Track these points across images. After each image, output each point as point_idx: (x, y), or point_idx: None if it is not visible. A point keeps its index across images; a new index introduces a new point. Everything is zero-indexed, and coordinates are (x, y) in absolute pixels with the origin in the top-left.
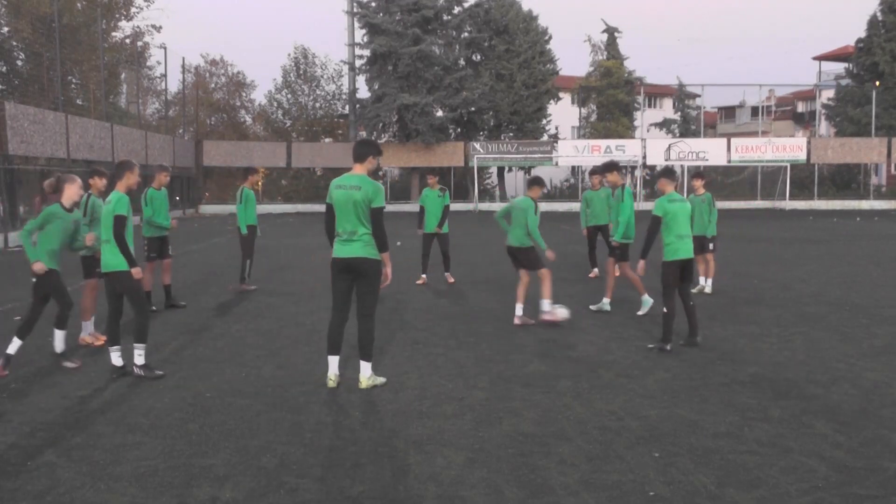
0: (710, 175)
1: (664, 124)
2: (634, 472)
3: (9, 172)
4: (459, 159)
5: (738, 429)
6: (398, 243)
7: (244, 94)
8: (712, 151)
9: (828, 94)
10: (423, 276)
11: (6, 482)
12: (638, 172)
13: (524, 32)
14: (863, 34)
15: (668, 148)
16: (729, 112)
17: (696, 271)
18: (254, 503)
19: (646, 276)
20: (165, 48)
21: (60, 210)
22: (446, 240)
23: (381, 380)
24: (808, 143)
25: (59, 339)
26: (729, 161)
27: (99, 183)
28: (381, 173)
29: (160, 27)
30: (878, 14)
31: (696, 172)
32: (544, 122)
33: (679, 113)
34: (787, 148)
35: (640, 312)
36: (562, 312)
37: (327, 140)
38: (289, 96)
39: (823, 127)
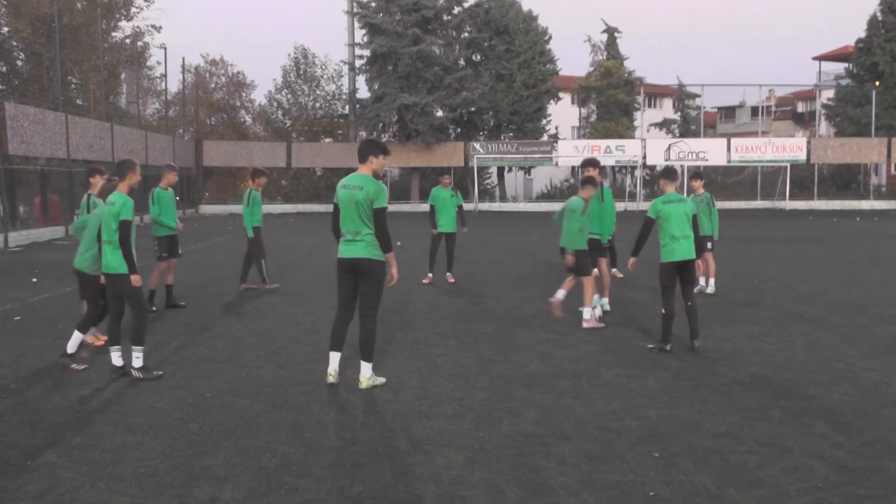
0: (711, 175)
1: (664, 124)
2: (634, 472)
3: (9, 172)
4: (459, 159)
5: (738, 429)
6: (398, 243)
7: (244, 94)
8: (712, 151)
9: (828, 94)
10: (430, 275)
11: (6, 482)
12: (638, 172)
13: (524, 32)
14: (863, 34)
15: (668, 148)
16: (729, 112)
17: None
18: (254, 503)
19: (638, 275)
20: (165, 48)
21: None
22: (454, 240)
23: (381, 380)
24: (808, 143)
25: (75, 340)
26: (729, 161)
27: (99, 181)
28: (381, 174)
29: (160, 27)
30: (878, 14)
31: (695, 173)
32: (544, 122)
33: (679, 113)
34: (787, 148)
35: (582, 310)
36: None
37: (327, 140)
38: (289, 96)
39: (823, 127)
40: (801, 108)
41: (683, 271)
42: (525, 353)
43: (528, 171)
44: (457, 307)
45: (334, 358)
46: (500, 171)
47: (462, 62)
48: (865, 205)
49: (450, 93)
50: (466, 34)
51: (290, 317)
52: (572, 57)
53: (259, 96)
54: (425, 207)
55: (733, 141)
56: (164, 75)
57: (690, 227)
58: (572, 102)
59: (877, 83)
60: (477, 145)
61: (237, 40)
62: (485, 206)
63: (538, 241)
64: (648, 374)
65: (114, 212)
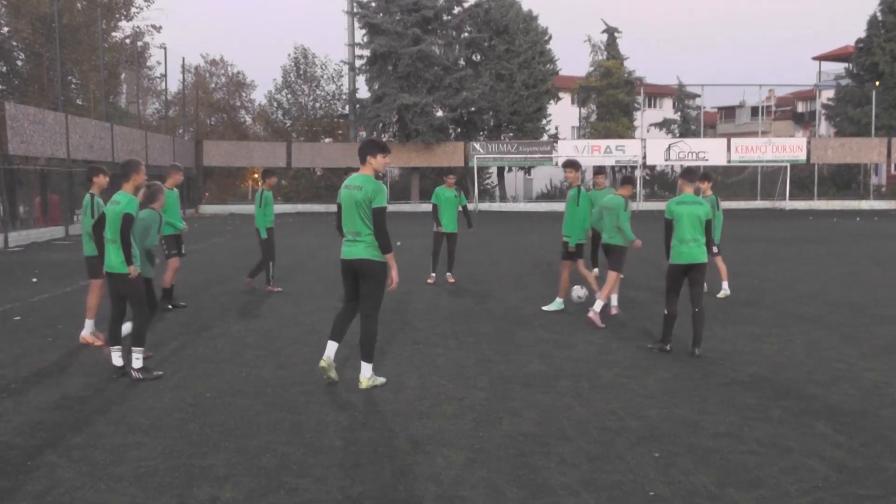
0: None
1: (664, 124)
2: (634, 472)
3: (9, 172)
4: (459, 159)
5: (738, 429)
6: (398, 243)
7: (244, 94)
8: (712, 151)
9: (828, 94)
10: (433, 274)
11: (6, 482)
12: (638, 172)
13: (524, 32)
14: (863, 34)
15: (668, 148)
16: (729, 112)
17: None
18: (254, 503)
19: (638, 276)
20: (165, 48)
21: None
22: (455, 240)
23: (381, 380)
24: (808, 143)
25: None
26: (729, 161)
27: (102, 181)
28: (381, 173)
29: (160, 27)
30: (878, 14)
31: (703, 174)
32: (544, 122)
33: (679, 113)
34: (787, 148)
35: (544, 307)
36: (579, 293)
37: (327, 140)
38: (289, 96)
39: (823, 127)
40: (801, 108)
41: (691, 275)
42: (525, 353)
43: (528, 171)
44: (457, 307)
45: (331, 346)
46: (500, 171)
47: (462, 62)
48: (865, 205)
49: (450, 93)
50: (466, 34)
51: (290, 317)
52: (572, 57)
53: (259, 96)
54: (425, 207)
55: (733, 141)
56: (164, 75)
57: (702, 231)
58: (572, 102)
59: (877, 83)
60: (477, 145)
61: (237, 40)
62: (485, 206)
63: (538, 241)
64: (648, 374)
65: (118, 210)
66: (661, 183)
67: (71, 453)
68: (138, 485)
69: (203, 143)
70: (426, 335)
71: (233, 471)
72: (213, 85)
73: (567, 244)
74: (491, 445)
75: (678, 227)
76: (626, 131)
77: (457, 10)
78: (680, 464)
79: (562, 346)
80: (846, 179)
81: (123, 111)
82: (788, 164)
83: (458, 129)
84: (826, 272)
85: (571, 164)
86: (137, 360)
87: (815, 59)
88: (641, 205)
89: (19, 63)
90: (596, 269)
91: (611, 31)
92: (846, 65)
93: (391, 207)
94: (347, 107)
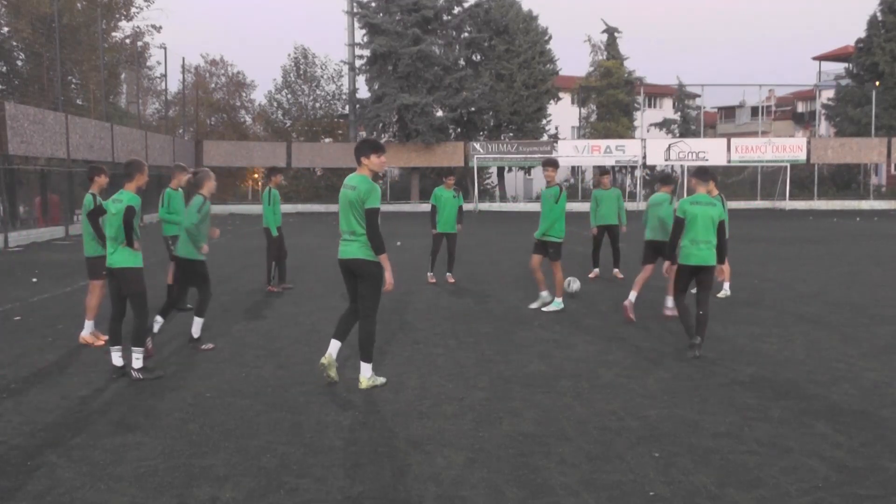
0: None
1: (664, 124)
2: (634, 472)
3: (9, 172)
4: (459, 159)
5: (738, 429)
6: (398, 243)
7: (244, 94)
8: (712, 151)
9: (828, 94)
10: (430, 273)
11: (6, 482)
12: (638, 172)
13: (524, 32)
14: (863, 34)
15: (668, 148)
16: (729, 112)
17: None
18: (254, 503)
19: (637, 276)
20: (165, 48)
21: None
22: (454, 240)
23: (381, 380)
24: (808, 143)
25: (197, 326)
26: (729, 161)
27: (103, 181)
28: (381, 174)
29: (160, 27)
30: (878, 14)
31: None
32: (544, 122)
33: (679, 113)
34: (787, 148)
35: (544, 308)
36: (575, 286)
37: (327, 140)
38: (289, 96)
39: (823, 127)
40: (801, 108)
41: (699, 277)
42: (525, 353)
43: (528, 171)
44: (457, 307)
45: (333, 344)
46: (500, 171)
47: (462, 62)
48: (865, 205)
49: (450, 93)
50: (466, 34)
51: (290, 317)
52: (572, 57)
53: (259, 96)
54: (425, 207)
55: (733, 141)
56: (164, 75)
57: (715, 233)
58: (572, 102)
59: (877, 83)
60: (477, 145)
61: (237, 40)
62: (485, 206)
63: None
64: (648, 374)
65: (121, 208)
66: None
67: (71, 453)
68: (138, 485)
69: (203, 143)
70: (426, 335)
71: (233, 471)
72: (213, 85)
73: (550, 241)
74: (491, 445)
75: (691, 228)
76: (626, 131)
77: (457, 10)
78: (680, 464)
79: (562, 346)
80: (846, 179)
81: (123, 111)
82: (788, 164)
83: (458, 129)
84: (826, 272)
85: (553, 164)
86: (137, 360)
87: (815, 59)
88: (641, 205)
89: (19, 63)
90: (596, 269)
91: (611, 31)
92: (846, 65)
93: (391, 207)
94: (347, 107)
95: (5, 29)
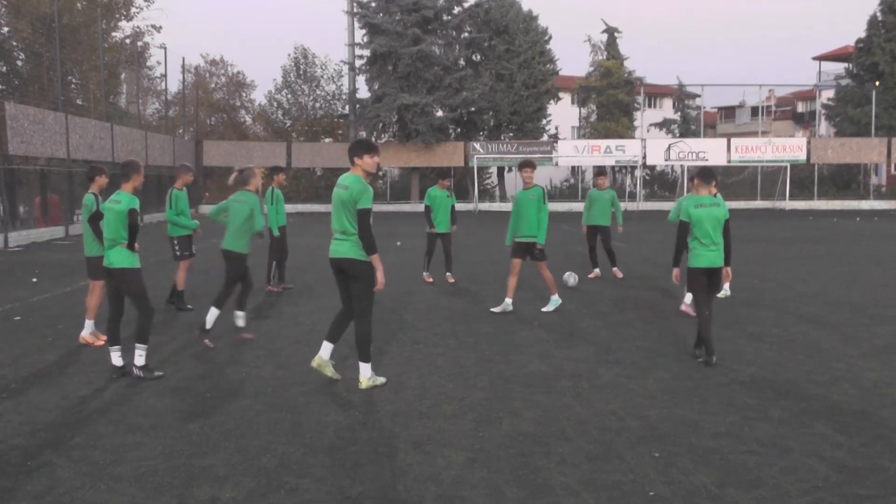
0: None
1: (664, 124)
2: (634, 472)
3: (9, 172)
4: (459, 159)
5: (738, 429)
6: (398, 243)
7: (244, 94)
8: (712, 151)
9: (828, 94)
10: (427, 273)
11: (6, 482)
12: (638, 172)
13: (524, 32)
14: (863, 34)
15: (668, 148)
16: (729, 112)
17: None
18: (254, 503)
19: (638, 275)
20: (165, 48)
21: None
22: (449, 239)
23: (381, 380)
24: (808, 143)
25: (240, 318)
26: (729, 161)
27: (102, 181)
28: (381, 173)
29: (160, 27)
30: (878, 14)
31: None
32: (544, 122)
33: (679, 113)
34: (787, 148)
35: (543, 309)
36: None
37: (327, 140)
38: (289, 96)
39: (823, 127)
40: (801, 108)
41: (708, 278)
42: (525, 353)
43: None
44: (457, 307)
45: (325, 347)
46: (500, 171)
47: (462, 62)
48: (865, 205)
49: (450, 93)
50: (466, 34)
51: (290, 317)
52: (572, 57)
53: (259, 96)
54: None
55: (733, 141)
56: (164, 75)
57: (721, 234)
58: (572, 102)
59: (877, 83)
60: (477, 145)
61: (237, 40)
62: (485, 206)
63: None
64: (648, 374)
65: (120, 210)
66: (660, 183)
67: (71, 453)
68: (138, 485)
69: (203, 143)
70: (426, 335)
71: (233, 471)
72: (213, 85)
73: (536, 244)
74: (491, 445)
75: (699, 231)
76: (626, 131)
77: (457, 10)
78: (680, 464)
79: (562, 346)
80: (846, 179)
81: (123, 111)
82: (788, 164)
83: (458, 129)
84: (826, 272)
85: (531, 165)
86: (140, 357)
87: (815, 59)
88: (641, 205)
89: (19, 63)
90: (597, 269)
91: (611, 31)
92: (846, 65)
93: (391, 207)
94: (347, 107)
95: (5, 29)
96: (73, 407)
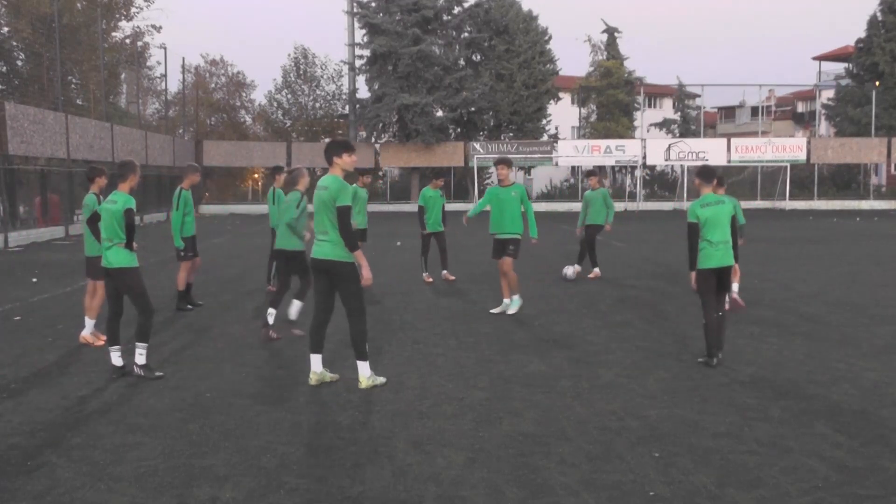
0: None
1: (664, 124)
2: (634, 472)
3: (9, 172)
4: (459, 159)
5: (738, 429)
6: (398, 243)
7: (244, 94)
8: (712, 151)
9: (828, 94)
10: (426, 273)
11: (6, 482)
12: (638, 172)
13: (524, 32)
14: (863, 34)
15: (668, 148)
16: (729, 112)
17: None
18: (254, 503)
19: (637, 275)
20: (165, 48)
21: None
22: (443, 238)
23: (381, 380)
24: (808, 143)
25: (295, 308)
26: (729, 161)
27: (102, 182)
28: (380, 173)
29: (160, 27)
30: (878, 14)
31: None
32: (544, 122)
33: (679, 113)
34: (787, 148)
35: (508, 311)
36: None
37: (327, 140)
38: (289, 96)
39: (823, 127)
40: (801, 108)
41: (718, 278)
42: (525, 353)
43: (528, 171)
44: (457, 307)
45: (315, 360)
46: None
47: (462, 62)
48: (865, 205)
49: (450, 93)
50: (466, 34)
51: None
52: (572, 57)
53: (259, 96)
54: None
55: (733, 141)
56: (164, 75)
57: (730, 232)
58: (572, 102)
59: (877, 83)
60: (477, 145)
61: (237, 40)
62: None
63: (538, 240)
64: (648, 374)
65: (117, 210)
66: (660, 183)
67: (71, 453)
68: (138, 485)
69: (203, 143)
70: (426, 335)
71: (233, 471)
72: (213, 85)
73: (512, 239)
74: (491, 445)
75: (708, 231)
76: (626, 131)
77: (457, 10)
78: (680, 464)
79: (562, 346)
80: (846, 179)
81: (123, 111)
82: (788, 164)
83: (458, 129)
84: (826, 272)
85: (507, 162)
86: (141, 356)
87: (815, 59)
88: (641, 205)
89: (19, 63)
90: (597, 269)
91: (611, 31)
92: (846, 65)
93: (391, 208)
94: (347, 107)
95: (5, 29)
96: (73, 407)
